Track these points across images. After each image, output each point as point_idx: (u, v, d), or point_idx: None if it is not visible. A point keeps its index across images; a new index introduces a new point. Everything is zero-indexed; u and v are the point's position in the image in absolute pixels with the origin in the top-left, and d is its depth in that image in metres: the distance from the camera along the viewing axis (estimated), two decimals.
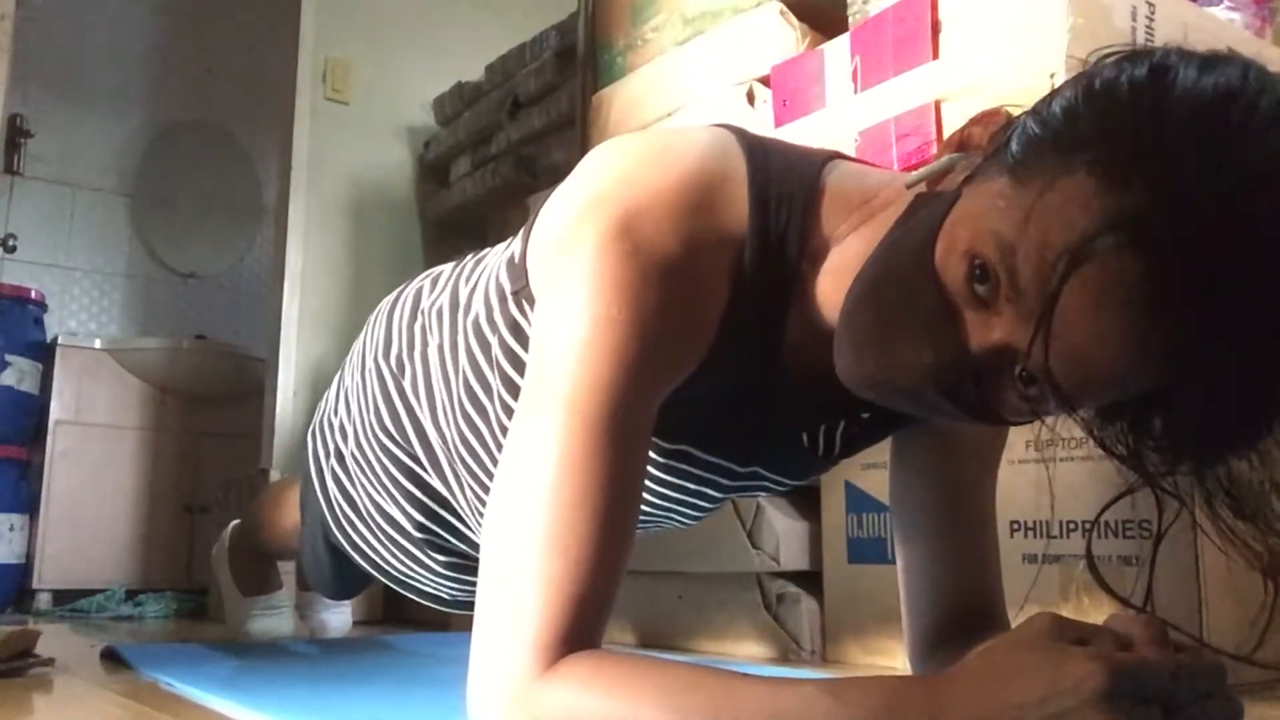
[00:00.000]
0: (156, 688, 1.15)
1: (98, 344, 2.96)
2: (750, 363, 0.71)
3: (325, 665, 1.42)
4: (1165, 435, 0.55)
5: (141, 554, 2.87)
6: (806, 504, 1.51)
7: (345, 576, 1.22)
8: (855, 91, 1.42)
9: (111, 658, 1.39)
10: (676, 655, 1.48)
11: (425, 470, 0.98)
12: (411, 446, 0.98)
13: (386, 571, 1.10)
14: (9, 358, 2.68)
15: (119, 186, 3.55)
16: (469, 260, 0.98)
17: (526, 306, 0.80)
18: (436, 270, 1.05)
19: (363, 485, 1.05)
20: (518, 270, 0.80)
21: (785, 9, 1.63)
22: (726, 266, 0.67)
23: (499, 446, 0.87)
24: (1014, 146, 0.55)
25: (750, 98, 1.62)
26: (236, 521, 1.78)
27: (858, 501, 1.42)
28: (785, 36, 1.62)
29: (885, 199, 0.68)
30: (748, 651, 1.51)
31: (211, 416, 3.05)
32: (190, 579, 2.82)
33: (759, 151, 0.70)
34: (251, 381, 2.91)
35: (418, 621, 2.10)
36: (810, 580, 1.49)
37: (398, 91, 2.90)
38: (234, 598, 1.74)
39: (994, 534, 0.86)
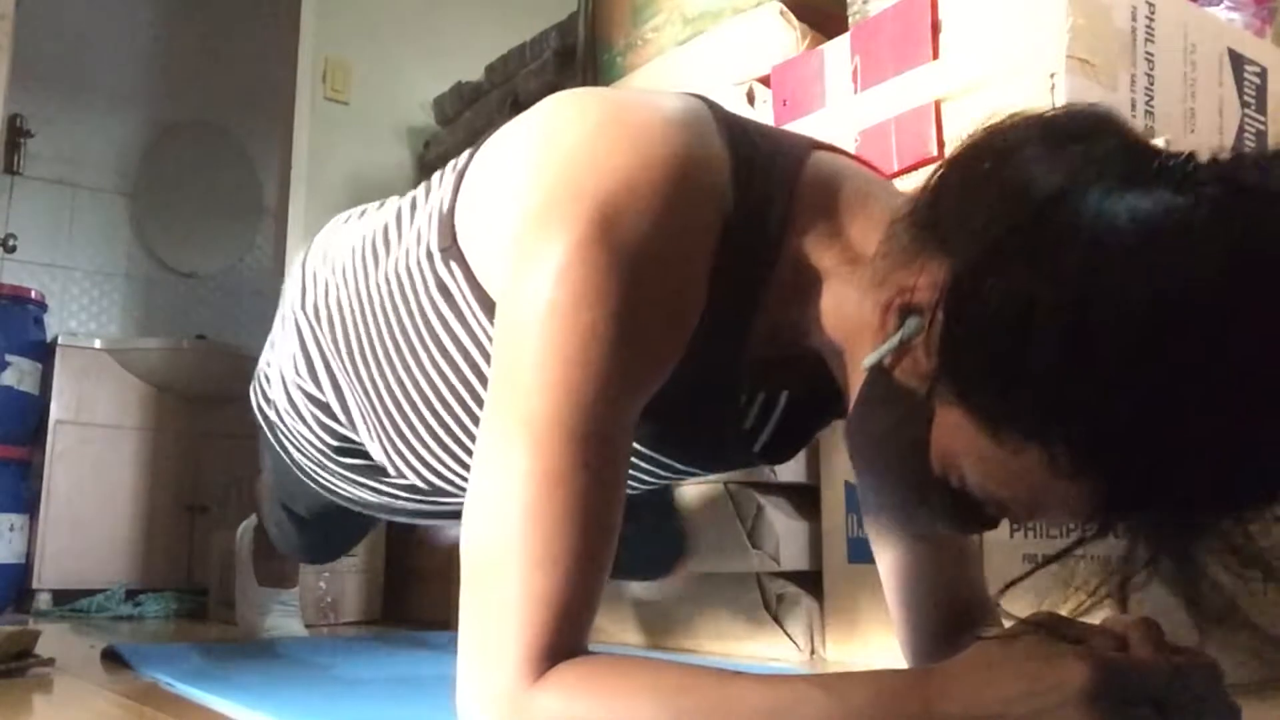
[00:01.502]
0: (156, 688, 1.15)
1: (98, 344, 2.96)
2: (714, 362, 0.69)
3: (325, 665, 1.42)
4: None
5: (141, 554, 2.87)
6: (806, 504, 1.51)
7: (308, 532, 1.21)
8: (855, 91, 1.42)
9: (111, 658, 1.39)
10: (676, 655, 1.48)
11: (343, 422, 0.97)
12: (324, 393, 0.97)
13: (336, 492, 1.09)
14: (9, 358, 2.68)
15: (119, 186, 3.54)
16: (381, 209, 0.94)
17: (454, 266, 0.76)
18: (344, 215, 1.01)
19: (294, 428, 1.05)
20: (445, 227, 0.76)
21: (785, 9, 1.63)
22: (705, 266, 0.64)
23: (423, 398, 0.84)
24: (965, 385, 0.53)
25: (750, 98, 1.62)
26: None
27: (858, 501, 1.41)
28: (785, 36, 1.62)
29: (859, 245, 0.66)
30: (748, 651, 1.51)
31: (211, 416, 3.05)
32: (190, 579, 2.82)
33: (740, 136, 0.67)
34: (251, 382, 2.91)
35: (417, 621, 2.11)
36: (810, 580, 1.49)
37: (398, 91, 2.90)
38: (248, 583, 1.74)
39: None
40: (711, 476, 1.45)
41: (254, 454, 1.27)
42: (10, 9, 2.14)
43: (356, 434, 0.97)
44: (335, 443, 1.00)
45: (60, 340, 2.89)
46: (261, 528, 1.66)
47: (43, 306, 2.88)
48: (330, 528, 1.29)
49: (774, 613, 1.50)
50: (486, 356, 0.77)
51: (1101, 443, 0.48)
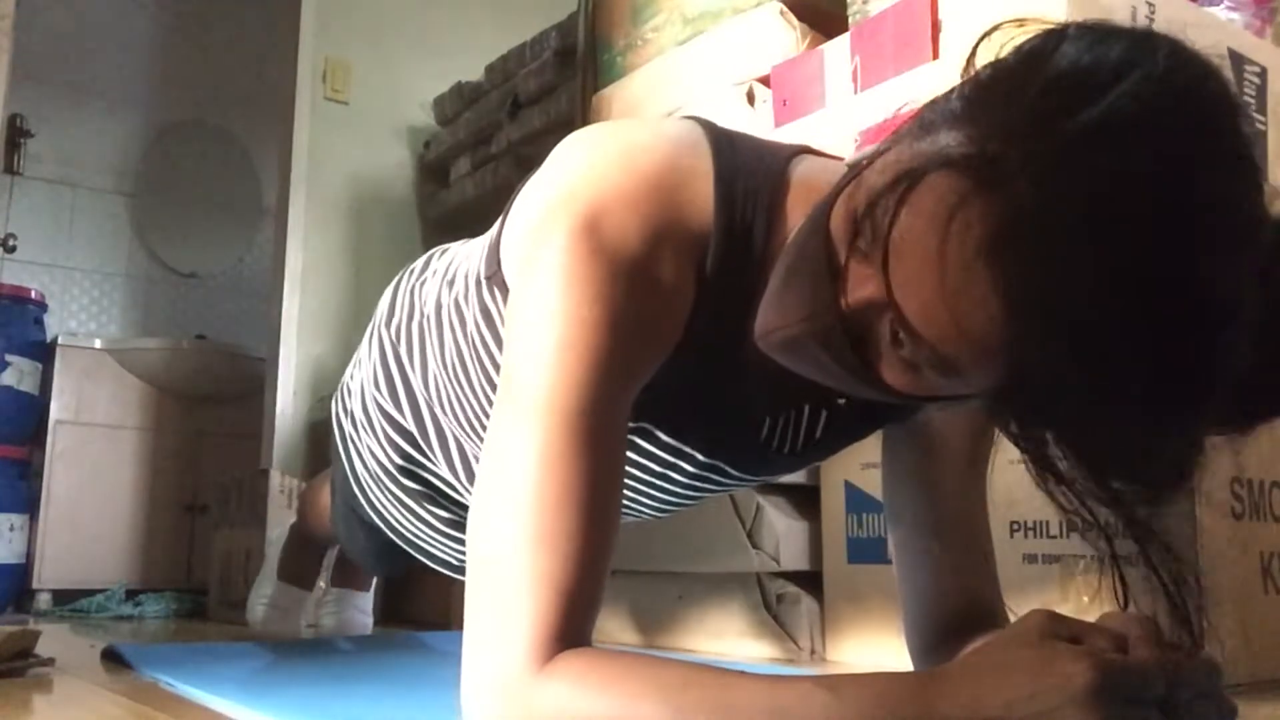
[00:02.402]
0: (156, 688, 1.15)
1: (98, 344, 2.96)
2: (716, 355, 0.72)
3: (325, 665, 1.42)
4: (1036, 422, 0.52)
5: (141, 554, 2.87)
6: (806, 504, 1.51)
7: (378, 545, 1.22)
8: (855, 91, 1.42)
9: (111, 658, 1.39)
10: (676, 655, 1.48)
11: (416, 442, 1.00)
12: (403, 413, 1.00)
13: (398, 531, 1.11)
14: (9, 358, 2.68)
15: (119, 186, 3.55)
16: (469, 241, 1.00)
17: (498, 292, 0.81)
18: (445, 246, 1.08)
19: (365, 442, 1.08)
20: (492, 255, 0.81)
21: (785, 9, 1.63)
22: (692, 262, 0.67)
23: (476, 418, 0.89)
24: (913, 122, 0.56)
25: (750, 98, 1.62)
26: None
27: (858, 501, 1.42)
28: (785, 36, 1.62)
29: None
30: (748, 651, 1.51)
31: (211, 416, 3.05)
32: (190, 579, 2.83)
33: (726, 147, 0.71)
34: (251, 381, 2.92)
35: (417, 621, 2.11)
36: (810, 580, 1.50)
37: (398, 91, 2.90)
38: (269, 571, 1.75)
39: (988, 532, 0.86)
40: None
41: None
42: (10, 9, 2.14)
43: (427, 453, 0.99)
44: (400, 461, 1.03)
45: (60, 340, 2.89)
46: (297, 525, 1.68)
47: (43, 306, 2.89)
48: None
49: (774, 613, 1.50)
50: None
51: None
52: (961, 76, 0.55)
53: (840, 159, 0.77)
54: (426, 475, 1.02)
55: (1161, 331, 0.46)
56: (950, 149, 0.49)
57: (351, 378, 1.14)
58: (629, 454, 0.82)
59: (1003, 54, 0.53)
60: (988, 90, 0.51)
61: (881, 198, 0.52)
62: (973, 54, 0.55)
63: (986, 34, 0.56)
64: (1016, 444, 0.53)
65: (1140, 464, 0.51)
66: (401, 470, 1.03)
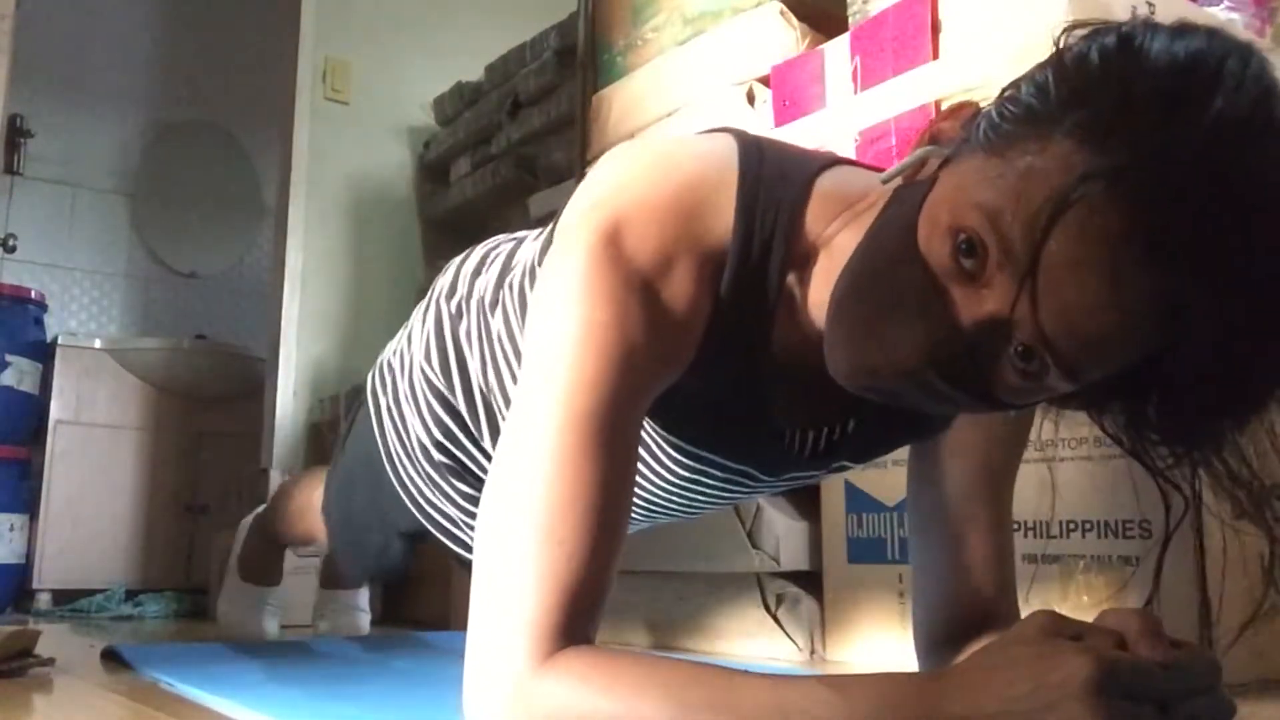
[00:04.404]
0: (156, 688, 1.15)
1: (98, 344, 2.96)
2: (736, 367, 0.72)
3: (325, 665, 1.42)
4: (1162, 416, 0.56)
5: (141, 554, 2.87)
6: (806, 504, 1.51)
7: (378, 544, 1.21)
8: (855, 91, 1.42)
9: (111, 658, 1.39)
10: (677, 655, 1.48)
11: (464, 420, 1.00)
12: (454, 390, 1.00)
13: (423, 507, 1.10)
14: (9, 358, 2.68)
15: (119, 186, 3.55)
16: (523, 237, 1.02)
17: None
18: (496, 239, 1.09)
19: (407, 416, 1.07)
20: (543, 252, 0.83)
21: (785, 9, 1.63)
22: (710, 277, 0.68)
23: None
24: (986, 127, 0.57)
25: (750, 98, 1.62)
26: (260, 509, 1.79)
27: (858, 501, 1.42)
28: (785, 36, 1.62)
29: (871, 200, 0.69)
30: (748, 651, 1.51)
31: (211, 416, 3.05)
32: (190, 579, 2.82)
33: (754, 157, 0.71)
34: (251, 381, 2.92)
35: (417, 621, 2.11)
36: (810, 580, 1.49)
37: (398, 91, 2.90)
38: (231, 571, 1.75)
39: (1008, 535, 0.86)
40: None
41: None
42: (10, 9, 2.14)
43: (472, 432, 1.00)
44: (440, 438, 1.02)
45: (60, 340, 2.89)
46: (264, 521, 1.67)
47: (43, 306, 2.88)
48: (390, 534, 1.27)
49: (774, 613, 1.50)
50: None
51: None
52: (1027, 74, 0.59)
53: (874, 168, 0.77)
54: (460, 455, 1.02)
55: None
56: (1084, 164, 0.50)
57: (395, 353, 1.13)
58: (659, 459, 0.82)
59: (1065, 46, 0.57)
60: (1086, 94, 0.52)
61: (1011, 216, 0.52)
62: (1058, 52, 0.58)
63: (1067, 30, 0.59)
64: (1103, 427, 0.58)
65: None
66: (438, 446, 1.03)
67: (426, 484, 1.07)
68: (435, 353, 1.02)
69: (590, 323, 0.63)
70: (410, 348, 1.09)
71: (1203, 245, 0.49)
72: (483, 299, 0.97)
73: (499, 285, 0.94)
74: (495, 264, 0.99)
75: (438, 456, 1.03)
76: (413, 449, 1.07)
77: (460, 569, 1.14)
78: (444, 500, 1.06)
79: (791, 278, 0.70)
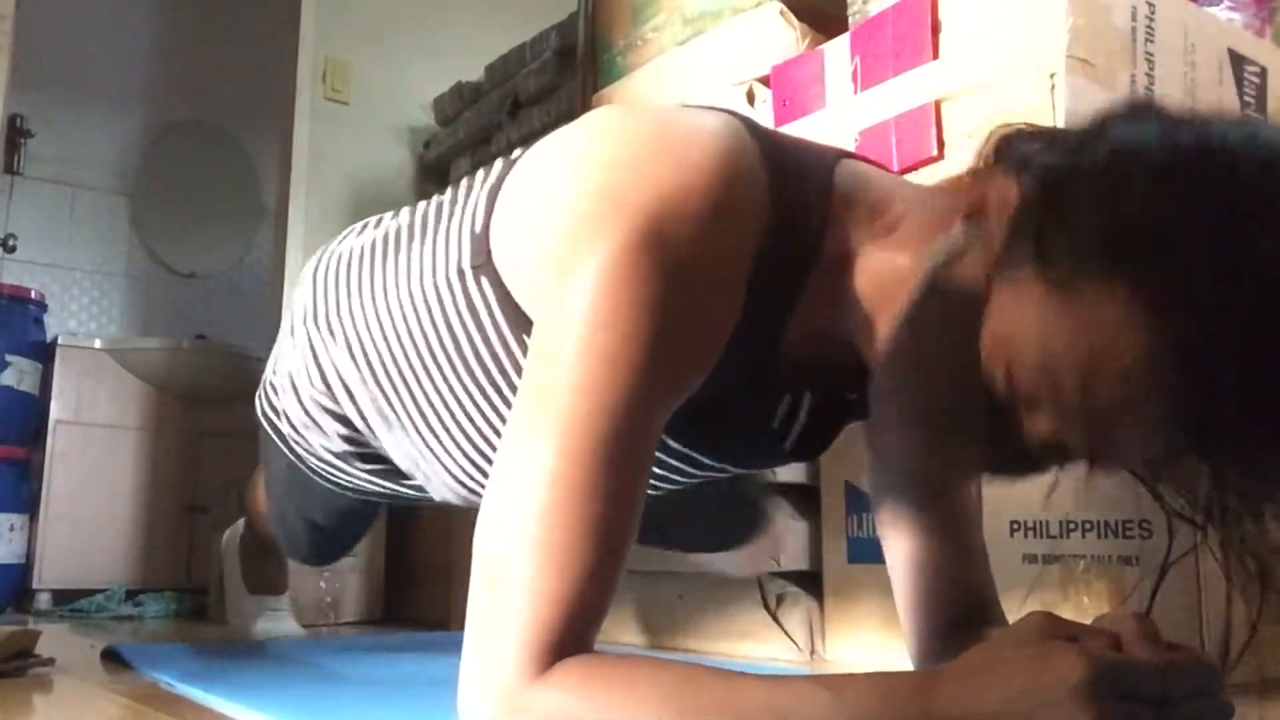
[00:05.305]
0: (156, 688, 1.15)
1: (98, 344, 2.96)
2: (747, 365, 0.71)
3: (325, 665, 1.42)
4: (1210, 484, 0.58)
5: (141, 554, 2.87)
6: (806, 504, 1.51)
7: (314, 532, 1.21)
8: (855, 91, 1.42)
9: (111, 658, 1.39)
10: (676, 655, 1.48)
11: (357, 429, 0.97)
12: (340, 404, 0.96)
13: (357, 489, 1.09)
14: (9, 358, 2.68)
15: (119, 186, 3.54)
16: (396, 219, 0.92)
17: (486, 283, 0.77)
18: (358, 225, 1.00)
19: (313, 440, 1.03)
20: (479, 245, 0.77)
21: (785, 9, 1.63)
22: (745, 274, 0.65)
23: (446, 414, 0.85)
24: (1044, 247, 0.56)
25: (750, 98, 1.62)
26: (240, 522, 1.78)
27: (858, 501, 1.42)
28: (785, 36, 1.62)
29: (898, 214, 0.69)
30: (748, 651, 1.51)
31: (211, 416, 3.04)
32: (190, 579, 2.82)
33: (773, 150, 0.69)
34: (251, 381, 2.90)
35: (417, 621, 2.11)
36: (810, 580, 1.49)
37: (398, 91, 2.90)
38: (239, 593, 1.74)
39: (980, 527, 0.86)
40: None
41: (253, 454, 1.26)
42: (10, 9, 2.14)
43: (375, 444, 0.97)
44: (358, 449, 1.00)
45: (60, 340, 2.89)
46: (248, 536, 1.66)
47: (43, 306, 2.88)
48: (340, 526, 1.28)
49: (774, 613, 1.50)
50: (513, 373, 0.78)
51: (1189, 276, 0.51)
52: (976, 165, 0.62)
53: (876, 164, 0.77)
54: (371, 449, 0.99)
55: None
56: (1148, 330, 0.51)
57: (275, 374, 1.07)
58: None
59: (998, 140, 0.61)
60: (1148, 225, 0.52)
61: (1069, 370, 0.54)
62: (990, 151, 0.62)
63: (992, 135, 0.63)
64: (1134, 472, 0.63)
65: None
66: (360, 455, 1.00)
67: (371, 484, 1.06)
68: (317, 377, 0.97)
69: (623, 338, 0.59)
70: (282, 370, 1.04)
71: (1235, 351, 0.50)
72: (365, 310, 0.89)
73: (392, 294, 0.86)
74: (370, 271, 0.90)
75: (370, 465, 1.01)
76: (336, 464, 1.05)
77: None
78: (402, 487, 1.04)
79: (813, 278, 0.69)
